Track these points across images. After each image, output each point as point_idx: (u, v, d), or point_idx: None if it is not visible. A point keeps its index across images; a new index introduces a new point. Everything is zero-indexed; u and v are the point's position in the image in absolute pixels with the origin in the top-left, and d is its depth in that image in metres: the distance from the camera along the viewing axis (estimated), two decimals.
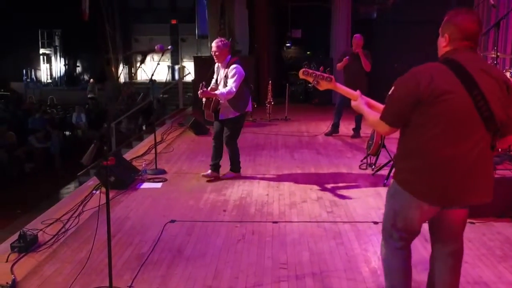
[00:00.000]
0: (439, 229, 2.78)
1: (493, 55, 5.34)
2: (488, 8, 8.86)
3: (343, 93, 3.03)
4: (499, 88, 2.48)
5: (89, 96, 22.05)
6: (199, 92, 5.76)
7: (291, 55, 15.32)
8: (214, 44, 5.79)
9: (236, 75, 5.68)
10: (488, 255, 3.93)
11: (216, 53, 5.78)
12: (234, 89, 5.65)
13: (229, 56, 5.84)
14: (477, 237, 4.28)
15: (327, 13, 13.75)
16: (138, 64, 24.11)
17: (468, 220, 4.56)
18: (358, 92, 2.93)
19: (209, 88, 5.88)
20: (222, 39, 5.89)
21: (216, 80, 6.02)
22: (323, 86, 3.03)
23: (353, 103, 2.94)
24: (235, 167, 6.21)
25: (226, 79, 5.77)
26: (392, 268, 2.83)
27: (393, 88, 2.59)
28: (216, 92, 5.76)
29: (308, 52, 14.75)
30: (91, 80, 23.37)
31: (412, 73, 2.53)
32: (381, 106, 2.78)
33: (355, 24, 13.01)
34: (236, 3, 13.77)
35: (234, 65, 5.73)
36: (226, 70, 5.77)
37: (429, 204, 2.59)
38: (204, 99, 5.90)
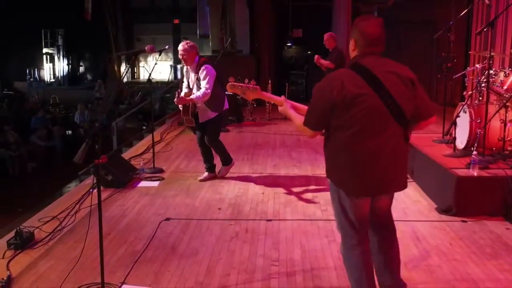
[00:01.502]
0: (371, 216, 2.99)
1: (487, 55, 5.35)
2: (487, 9, 8.87)
3: (269, 100, 3.29)
4: (405, 85, 2.74)
5: (96, 96, 22.23)
6: (175, 100, 5.77)
7: (292, 55, 15.35)
8: (180, 48, 5.69)
9: (208, 76, 5.63)
10: (478, 253, 3.96)
11: (184, 57, 5.70)
12: (209, 90, 5.62)
13: (197, 58, 5.76)
14: (468, 235, 4.32)
15: (328, 13, 13.77)
16: (123, 66, 24.12)
17: (460, 219, 4.68)
18: (282, 98, 3.15)
19: (183, 94, 5.85)
20: (188, 41, 5.80)
21: (188, 85, 5.95)
22: (250, 96, 3.26)
23: (279, 108, 3.15)
24: (226, 160, 6.21)
25: (198, 82, 5.72)
26: (353, 264, 2.93)
27: (312, 96, 2.83)
28: (192, 97, 5.72)
29: (309, 52, 14.77)
30: (99, 80, 23.51)
31: (325, 81, 2.78)
32: (305, 108, 2.98)
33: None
34: (237, 3, 13.82)
35: (203, 66, 5.67)
36: (197, 73, 5.72)
37: (359, 196, 2.84)
38: (181, 106, 5.86)
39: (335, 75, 2.78)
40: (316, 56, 8.65)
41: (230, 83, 3.31)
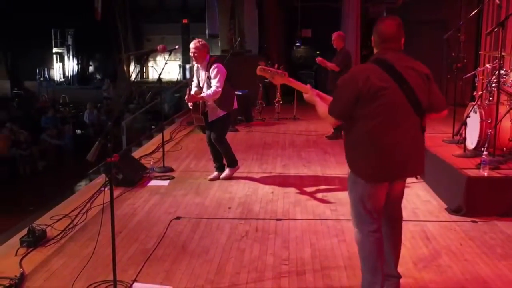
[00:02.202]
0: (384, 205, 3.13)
1: (498, 55, 5.33)
2: (497, 9, 8.83)
3: (295, 86, 3.39)
4: (422, 79, 2.97)
5: (104, 95, 22.33)
6: (185, 98, 5.79)
7: (300, 55, 15.37)
8: (192, 45, 5.72)
9: (219, 75, 5.65)
10: (489, 253, 3.95)
11: (195, 54, 5.72)
12: (220, 89, 5.63)
13: (208, 57, 5.79)
14: (479, 235, 4.31)
15: (337, 13, 13.77)
16: (132, 65, 24.21)
17: (471, 219, 4.67)
18: (308, 86, 3.30)
19: (193, 92, 5.86)
20: (200, 39, 5.83)
21: (198, 83, 5.95)
22: (278, 80, 3.40)
23: (305, 95, 3.30)
24: (231, 162, 6.19)
25: (209, 80, 5.73)
26: (369, 251, 3.03)
27: (337, 88, 3.01)
28: (202, 95, 5.73)
29: (317, 52, 14.78)
30: (106, 80, 23.62)
31: (351, 74, 3.00)
32: (329, 98, 3.16)
33: (365, 23, 13.01)
34: (246, 3, 13.84)
35: (215, 65, 5.69)
36: (208, 71, 5.72)
37: (380, 183, 3.01)
38: (191, 104, 5.87)
39: (361, 68, 3.04)
40: (318, 59, 8.54)
41: (261, 67, 3.41)
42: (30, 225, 4.25)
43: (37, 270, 3.73)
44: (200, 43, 5.74)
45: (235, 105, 6.08)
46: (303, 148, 8.03)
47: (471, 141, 5.59)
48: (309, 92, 3.26)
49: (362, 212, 3.03)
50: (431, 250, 4.02)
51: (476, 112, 5.54)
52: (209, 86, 5.75)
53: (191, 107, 5.93)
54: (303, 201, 5.35)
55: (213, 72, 5.68)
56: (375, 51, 3.05)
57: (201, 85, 5.91)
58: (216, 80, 5.66)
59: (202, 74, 5.87)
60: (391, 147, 2.90)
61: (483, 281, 3.50)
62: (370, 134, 2.89)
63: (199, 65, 5.88)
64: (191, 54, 5.78)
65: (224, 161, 6.21)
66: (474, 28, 10.93)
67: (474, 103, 5.69)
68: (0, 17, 24.09)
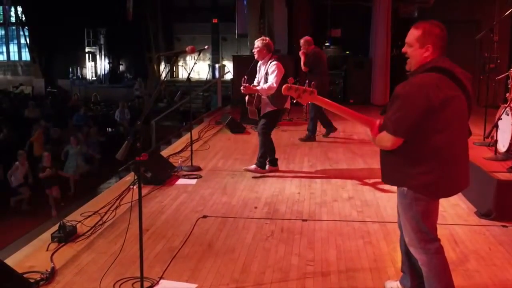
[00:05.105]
0: None
1: None
2: None
3: (323, 104, 3.09)
4: (471, 83, 2.87)
5: (135, 94, 22.66)
6: (241, 88, 6.07)
7: (330, 55, 15.21)
8: (255, 43, 6.12)
9: (276, 71, 5.95)
10: None
11: (257, 49, 6.07)
12: (275, 85, 5.89)
13: (270, 55, 6.11)
14: (508, 240, 4.24)
15: (367, 13, 13.64)
16: (163, 65, 24.52)
17: (501, 224, 4.59)
18: (376, 120, 2.99)
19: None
20: (265, 38, 6.20)
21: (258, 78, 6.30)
22: (306, 99, 3.03)
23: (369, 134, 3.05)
24: (262, 162, 6.33)
25: (266, 76, 6.04)
26: (442, 269, 2.91)
27: (399, 102, 2.73)
28: (258, 87, 6.06)
29: (347, 52, 14.66)
30: (138, 79, 23.95)
31: (417, 85, 2.74)
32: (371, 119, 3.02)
33: (396, 23, 12.86)
34: (276, 2, 13.84)
35: (274, 62, 6.01)
36: (267, 67, 6.05)
37: (446, 196, 2.95)
38: (246, 97, 6.18)
39: (426, 79, 2.72)
40: (301, 52, 8.79)
41: (288, 85, 3.06)
42: (61, 221, 4.36)
43: (67, 265, 3.82)
44: (263, 42, 6.10)
45: (288, 105, 6.30)
46: (330, 149, 8.00)
47: (503, 144, 5.49)
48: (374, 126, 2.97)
49: (426, 229, 2.88)
50: (459, 254, 3.97)
51: (508, 114, 5.44)
52: (265, 81, 6.05)
53: (246, 100, 6.22)
54: (329, 202, 5.34)
55: (271, 68, 6.00)
56: (430, 58, 2.79)
57: (258, 80, 6.24)
58: (273, 76, 5.95)
59: (262, 69, 6.20)
60: (458, 159, 2.81)
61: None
62: (440, 148, 2.73)
63: (260, 62, 6.21)
64: (254, 50, 6.15)
65: (269, 156, 6.40)
66: (508, 29, 10.72)
67: (506, 105, 5.59)
68: (35, 18, 24.72)
